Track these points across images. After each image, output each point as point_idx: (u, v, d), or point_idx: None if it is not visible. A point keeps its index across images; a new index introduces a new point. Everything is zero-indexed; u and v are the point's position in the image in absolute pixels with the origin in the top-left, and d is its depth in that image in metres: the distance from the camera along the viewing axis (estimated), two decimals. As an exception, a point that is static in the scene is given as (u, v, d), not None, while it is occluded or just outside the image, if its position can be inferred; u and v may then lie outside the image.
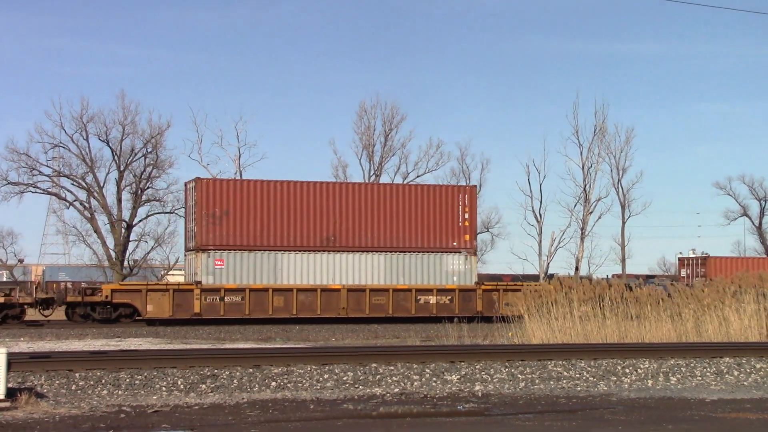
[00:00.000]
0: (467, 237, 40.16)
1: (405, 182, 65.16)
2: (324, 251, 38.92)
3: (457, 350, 19.96)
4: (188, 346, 25.56)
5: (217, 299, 37.59)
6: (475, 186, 43.53)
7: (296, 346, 25.64)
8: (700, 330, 25.68)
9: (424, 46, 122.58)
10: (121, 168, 59.56)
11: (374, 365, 17.53)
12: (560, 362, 18.41)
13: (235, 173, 59.20)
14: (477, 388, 16.54)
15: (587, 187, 61.96)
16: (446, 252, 40.00)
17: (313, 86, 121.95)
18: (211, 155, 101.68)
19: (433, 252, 39.93)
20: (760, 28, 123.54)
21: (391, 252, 39.56)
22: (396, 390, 16.16)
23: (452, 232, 40.06)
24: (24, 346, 25.97)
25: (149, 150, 60.33)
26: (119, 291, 38.00)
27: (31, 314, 38.30)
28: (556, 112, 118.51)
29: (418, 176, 65.74)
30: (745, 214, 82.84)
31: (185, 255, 40.35)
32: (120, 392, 15.35)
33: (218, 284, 37.80)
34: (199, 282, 37.50)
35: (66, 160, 59.93)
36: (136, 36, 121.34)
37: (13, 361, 15.20)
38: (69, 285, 44.17)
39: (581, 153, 62.70)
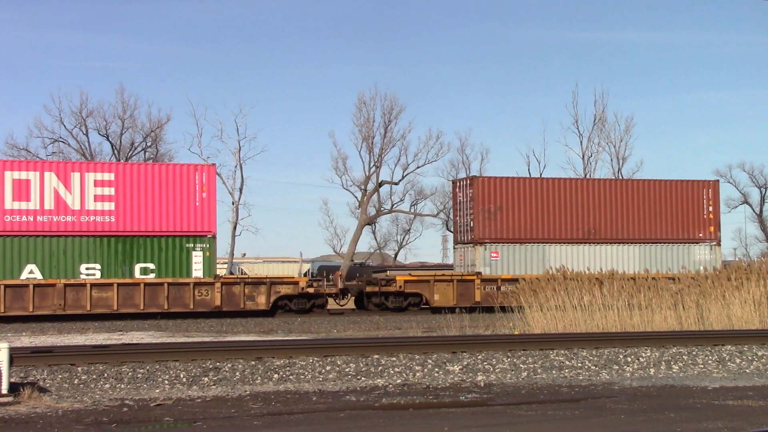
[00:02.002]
0: (711, 228, 43.10)
1: (405, 173, 65.18)
2: (585, 243, 41.66)
3: (459, 341, 19.98)
4: (190, 339, 25.59)
5: (494, 289, 40.00)
6: (718, 181, 45.24)
7: (298, 338, 25.67)
8: (702, 318, 25.68)
9: (423, 36, 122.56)
10: (121, 162, 59.61)
11: (376, 356, 17.55)
12: (562, 351, 18.43)
13: (236, 166, 59.17)
14: (479, 378, 16.56)
15: (587, 176, 61.91)
16: (693, 242, 42.72)
17: (312, 78, 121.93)
18: (211, 148, 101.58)
19: (681, 243, 42.57)
20: (760, 14, 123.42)
21: (644, 243, 42.25)
22: (398, 381, 16.18)
23: (698, 223, 42.85)
24: (26, 340, 26.00)
25: (149, 144, 60.36)
26: (410, 281, 40.59)
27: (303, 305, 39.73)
28: (556, 101, 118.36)
29: (418, 167, 65.67)
30: (745, 201, 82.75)
31: (454, 247, 43.34)
32: (122, 386, 15.37)
33: (495, 275, 40.54)
34: (479, 273, 40.15)
35: (66, 155, 59.92)
36: (135, 29, 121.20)
37: (15, 355, 15.21)
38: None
39: (581, 142, 62.74)
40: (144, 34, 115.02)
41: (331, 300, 41.02)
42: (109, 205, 36.90)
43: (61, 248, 36.38)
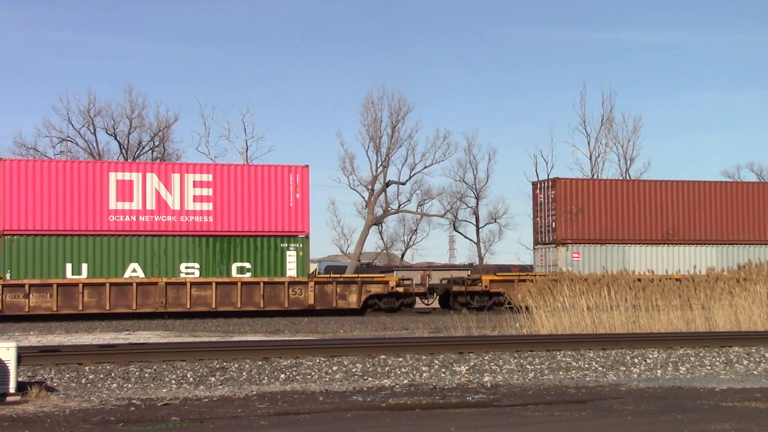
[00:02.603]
0: None
1: (413, 173, 65.16)
2: (664, 244, 42.42)
3: (466, 341, 19.97)
4: (197, 339, 25.62)
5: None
6: None
7: (305, 338, 25.68)
8: (710, 319, 25.64)
9: (430, 36, 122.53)
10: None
11: (383, 357, 17.55)
12: (569, 352, 18.42)
13: (243, 166, 59.22)
14: (486, 378, 16.55)
15: (595, 176, 61.86)
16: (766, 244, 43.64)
17: (319, 78, 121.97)
18: (218, 148, 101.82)
19: (759, 244, 43.22)
20: None
21: (722, 244, 42.86)
22: (405, 381, 16.19)
23: None
24: (34, 340, 26.06)
25: (157, 143, 60.55)
26: (495, 281, 41.20)
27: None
28: (563, 101, 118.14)
29: (425, 167, 65.70)
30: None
31: (534, 248, 43.91)
32: (130, 385, 15.40)
33: (576, 275, 40.45)
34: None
35: (74, 154, 60.08)
36: (142, 29, 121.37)
37: (23, 355, 15.26)
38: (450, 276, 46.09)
39: (588, 143, 62.74)
40: (152, 34, 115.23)
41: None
42: (207, 206, 37.81)
43: (162, 248, 37.27)
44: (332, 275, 41.66)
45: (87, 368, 16.04)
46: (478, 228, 72.21)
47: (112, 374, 15.81)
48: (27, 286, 35.52)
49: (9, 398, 13.66)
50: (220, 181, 37.97)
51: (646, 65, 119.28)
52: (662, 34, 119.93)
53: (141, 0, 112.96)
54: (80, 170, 36.73)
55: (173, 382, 15.69)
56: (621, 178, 43.34)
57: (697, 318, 25.47)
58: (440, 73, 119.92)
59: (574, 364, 17.74)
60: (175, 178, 37.55)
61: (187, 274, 37.41)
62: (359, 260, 63.29)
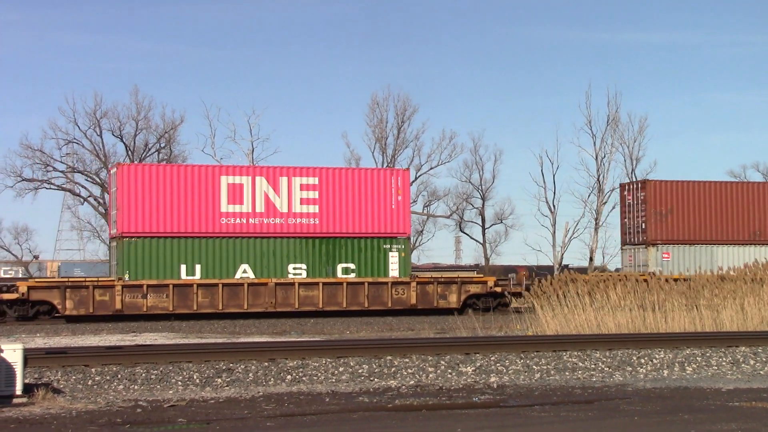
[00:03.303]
0: None
1: (419, 174, 65.14)
2: (752, 244, 43.16)
3: (472, 342, 19.96)
4: (203, 341, 25.63)
5: None
6: None
7: (311, 339, 25.69)
8: (716, 319, 25.59)
9: (436, 37, 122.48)
10: (135, 163, 59.70)
11: (389, 358, 17.55)
12: (575, 353, 18.40)
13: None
14: (492, 379, 16.54)
15: (601, 177, 61.80)
16: None
17: (325, 79, 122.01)
18: (224, 149, 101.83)
19: None
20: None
21: None
22: (411, 382, 16.18)
23: None
24: (40, 341, 26.09)
25: (163, 145, 60.57)
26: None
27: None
28: (569, 102, 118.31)
29: (431, 168, 65.68)
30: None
31: (622, 248, 45.04)
32: (136, 387, 15.41)
33: (666, 275, 41.50)
34: (652, 273, 40.62)
35: (80, 156, 60.20)
36: (148, 31, 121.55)
37: (29, 356, 15.28)
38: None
39: (594, 143, 62.54)
40: (158, 36, 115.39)
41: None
42: (313, 208, 38.59)
43: (271, 249, 38.09)
44: (433, 276, 42.13)
45: (93, 370, 16.06)
46: (484, 229, 72.14)
47: (119, 376, 15.83)
48: (145, 287, 36.51)
49: (16, 400, 13.68)
50: (325, 184, 38.88)
51: (652, 65, 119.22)
52: (667, 35, 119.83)
53: (147, 2, 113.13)
54: (193, 174, 37.68)
55: (179, 383, 15.70)
56: (715, 179, 44.44)
57: (704, 318, 25.42)
58: (446, 73, 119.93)
59: (581, 364, 17.72)
60: (283, 181, 38.49)
61: (294, 274, 38.34)
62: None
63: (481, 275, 46.50)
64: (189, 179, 37.33)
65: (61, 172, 59.77)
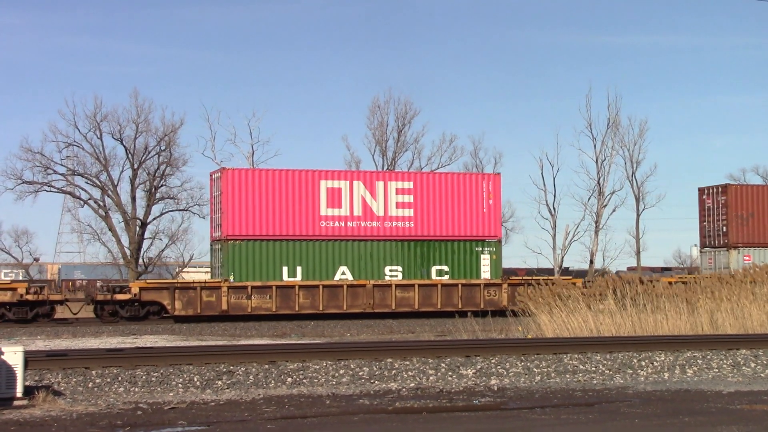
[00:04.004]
0: None
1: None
2: None
3: (473, 345, 19.95)
4: (204, 343, 25.63)
5: None
6: None
7: (312, 341, 25.68)
8: (717, 322, 25.57)
9: (436, 40, 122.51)
10: (135, 166, 59.60)
11: (390, 360, 17.54)
12: (576, 355, 18.39)
13: (250, 170, 59.28)
14: (493, 382, 16.53)
15: (601, 180, 61.79)
16: None
17: (325, 82, 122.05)
18: (224, 152, 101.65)
19: None
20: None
21: None
22: (412, 385, 16.17)
23: None
24: (41, 344, 26.09)
25: (163, 148, 60.37)
26: (671, 283, 42.81)
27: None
28: (569, 105, 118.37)
29: (432, 171, 65.59)
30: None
31: (701, 251, 46.60)
32: (136, 389, 15.40)
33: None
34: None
35: (80, 159, 60.00)
36: (148, 34, 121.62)
37: (30, 359, 15.27)
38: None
39: (594, 146, 62.52)
40: (157, 39, 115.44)
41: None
42: (408, 212, 40.01)
43: (368, 251, 39.53)
44: (524, 277, 42.37)
45: (94, 372, 16.06)
46: (484, 231, 72.03)
47: (119, 378, 15.82)
48: (249, 288, 37.81)
49: (16, 402, 13.67)
50: (419, 189, 40.15)
51: (652, 68, 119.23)
52: (668, 38, 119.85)
53: (146, 5, 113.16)
54: (294, 178, 38.89)
55: (180, 385, 15.69)
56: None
57: (703, 321, 25.40)
58: (446, 76, 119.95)
59: (581, 367, 17.71)
60: (379, 185, 39.83)
61: (391, 276, 39.55)
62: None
63: (569, 277, 46.75)
64: (290, 183, 38.66)
65: (62, 174, 59.67)
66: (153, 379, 15.89)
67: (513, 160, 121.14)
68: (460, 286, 39.58)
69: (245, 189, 38.09)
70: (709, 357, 18.72)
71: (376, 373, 16.78)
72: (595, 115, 76.43)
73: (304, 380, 16.30)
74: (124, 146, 59.75)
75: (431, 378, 16.67)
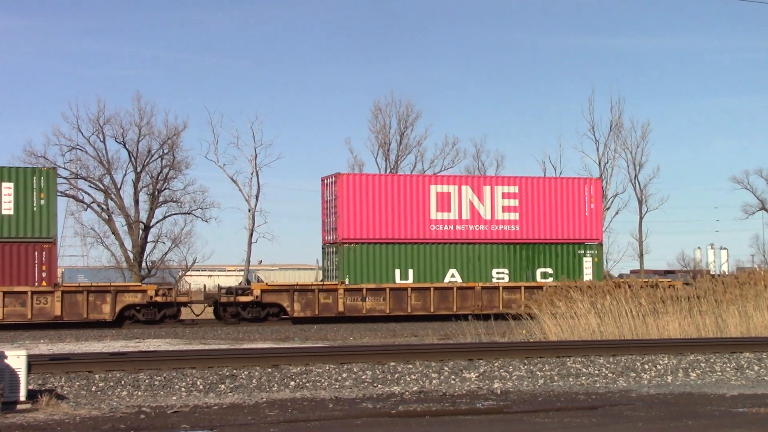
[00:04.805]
0: None
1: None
2: None
3: (476, 348, 19.93)
4: (207, 347, 25.63)
5: None
6: None
7: (315, 345, 25.67)
8: (720, 326, 25.54)
9: (439, 43, 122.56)
10: (138, 169, 59.58)
11: (393, 364, 17.53)
12: (579, 359, 18.36)
13: (252, 173, 59.23)
14: (496, 385, 16.52)
15: (604, 182, 61.73)
16: None
17: (327, 85, 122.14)
18: (227, 155, 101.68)
19: None
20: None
21: None
22: (415, 388, 16.16)
23: None
24: (44, 348, 26.10)
25: (166, 151, 60.35)
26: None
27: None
28: (572, 107, 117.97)
29: (434, 174, 65.56)
30: (763, 208, 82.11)
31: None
32: (140, 393, 15.41)
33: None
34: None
35: (83, 162, 59.97)
36: (151, 37, 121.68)
37: (33, 363, 15.28)
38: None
39: (597, 149, 62.47)
40: (160, 42, 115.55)
41: None
42: (514, 215, 40.78)
43: (476, 254, 40.31)
44: (624, 279, 42.69)
45: (97, 376, 16.06)
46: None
47: (122, 382, 15.82)
48: (364, 290, 38.65)
49: (19, 406, 13.68)
50: (524, 192, 40.90)
51: (655, 71, 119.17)
52: (671, 40, 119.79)
53: (149, 8, 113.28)
54: (406, 183, 40.03)
55: (183, 389, 15.69)
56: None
57: (708, 323, 25.37)
58: (448, 79, 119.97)
59: (584, 370, 17.69)
60: (486, 190, 40.61)
61: (497, 278, 40.24)
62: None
63: (668, 278, 47.14)
64: (402, 188, 39.62)
65: (65, 178, 59.69)
66: (156, 382, 15.89)
67: (515, 162, 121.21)
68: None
69: (359, 194, 39.02)
70: (712, 360, 18.69)
71: (379, 376, 16.77)
72: (597, 118, 76.52)
73: (307, 384, 16.29)
74: (127, 149, 59.78)
75: (434, 381, 16.66)
